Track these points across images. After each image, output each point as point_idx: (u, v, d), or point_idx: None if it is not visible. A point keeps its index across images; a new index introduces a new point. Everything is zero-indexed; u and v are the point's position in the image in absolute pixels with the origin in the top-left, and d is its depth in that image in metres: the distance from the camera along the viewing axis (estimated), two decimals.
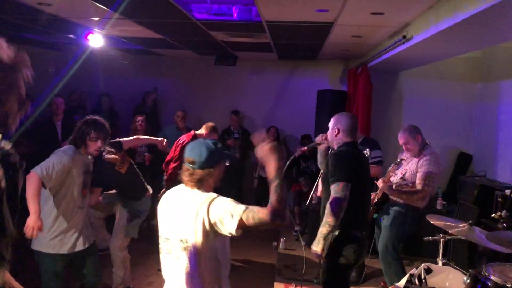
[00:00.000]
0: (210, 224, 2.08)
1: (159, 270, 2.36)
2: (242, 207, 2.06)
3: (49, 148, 3.46)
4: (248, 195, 7.56)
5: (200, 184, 2.21)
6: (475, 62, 6.89)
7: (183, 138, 4.93)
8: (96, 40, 5.81)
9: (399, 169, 4.40)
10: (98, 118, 3.53)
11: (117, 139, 4.21)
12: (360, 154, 3.49)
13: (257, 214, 2.03)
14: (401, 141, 4.37)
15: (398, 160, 4.46)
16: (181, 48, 7.03)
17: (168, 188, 2.66)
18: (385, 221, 4.34)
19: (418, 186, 4.17)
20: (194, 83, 8.38)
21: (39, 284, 3.37)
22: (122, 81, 8.29)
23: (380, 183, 4.20)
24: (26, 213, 3.01)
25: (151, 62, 8.40)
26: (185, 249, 2.13)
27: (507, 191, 4.55)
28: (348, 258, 3.17)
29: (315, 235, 3.21)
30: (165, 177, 4.94)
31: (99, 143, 3.42)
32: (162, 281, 2.33)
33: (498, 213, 4.14)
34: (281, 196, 2.03)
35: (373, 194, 4.32)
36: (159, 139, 4.77)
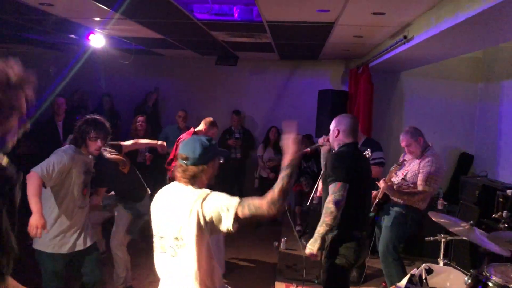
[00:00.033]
0: (205, 221, 2.07)
1: None
2: (236, 199, 2.08)
3: (50, 148, 3.45)
4: (249, 195, 7.52)
5: (194, 180, 2.21)
6: (476, 62, 6.88)
7: (184, 136, 4.94)
8: (97, 40, 5.82)
9: (401, 170, 4.40)
10: (98, 117, 3.51)
11: (117, 142, 4.20)
12: (360, 155, 3.50)
13: (253, 202, 2.06)
14: (403, 144, 4.37)
15: (400, 161, 4.46)
16: (182, 48, 7.03)
17: None
18: (386, 221, 4.34)
19: (420, 187, 4.16)
20: (195, 83, 8.38)
21: (39, 284, 3.37)
22: (123, 81, 8.30)
23: (381, 184, 4.20)
24: (28, 214, 3.01)
25: (152, 62, 8.41)
26: (180, 246, 2.12)
27: (509, 192, 4.54)
28: (348, 258, 3.18)
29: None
30: (168, 176, 4.95)
31: (99, 142, 3.41)
32: None
33: (499, 214, 4.13)
34: (284, 186, 2.05)
35: (374, 193, 4.32)
36: (159, 142, 4.68)
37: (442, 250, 3.58)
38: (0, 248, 1.34)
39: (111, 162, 3.98)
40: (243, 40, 5.99)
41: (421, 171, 4.21)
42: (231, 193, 2.20)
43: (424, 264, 3.11)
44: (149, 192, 4.53)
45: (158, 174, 5.94)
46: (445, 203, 5.75)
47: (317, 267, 4.42)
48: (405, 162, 4.43)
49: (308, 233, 6.15)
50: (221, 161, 2.36)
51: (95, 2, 4.07)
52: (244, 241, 6.43)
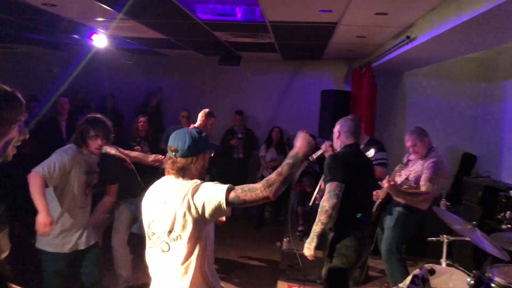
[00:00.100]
0: (197, 210, 2.05)
1: None
2: (227, 184, 2.07)
3: (53, 148, 3.43)
4: None
5: (183, 173, 2.19)
6: (479, 62, 6.86)
7: None
8: (100, 40, 5.83)
9: (405, 171, 4.40)
10: (99, 116, 3.49)
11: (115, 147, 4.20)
12: (361, 155, 3.51)
13: (247, 185, 2.05)
14: (408, 143, 4.36)
15: (405, 161, 4.45)
16: (185, 48, 7.04)
17: None
18: (388, 222, 4.34)
19: (423, 188, 4.16)
20: (198, 83, 8.39)
21: (41, 283, 3.38)
22: (126, 81, 8.31)
23: (384, 183, 4.20)
24: (29, 214, 3.01)
25: (155, 62, 8.42)
26: (173, 240, 2.10)
27: (511, 192, 4.53)
28: (349, 258, 3.19)
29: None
30: None
31: (99, 141, 3.38)
32: None
33: (502, 214, 4.13)
34: (285, 171, 2.07)
35: (375, 193, 4.32)
36: (151, 157, 4.45)
37: (444, 251, 3.57)
38: None
39: (116, 158, 3.98)
40: (246, 40, 5.99)
41: (424, 171, 4.20)
42: None
43: (426, 265, 3.11)
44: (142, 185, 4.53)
45: (158, 174, 5.94)
46: (448, 203, 5.74)
47: (319, 267, 4.42)
48: (409, 163, 4.43)
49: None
50: (212, 155, 2.36)
51: (98, 3, 4.08)
52: (247, 241, 6.44)
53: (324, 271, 3.34)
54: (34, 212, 3.16)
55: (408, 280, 2.98)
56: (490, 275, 2.69)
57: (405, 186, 4.28)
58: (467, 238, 3.20)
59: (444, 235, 3.59)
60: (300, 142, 2.20)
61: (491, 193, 4.94)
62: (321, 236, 3.23)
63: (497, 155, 6.16)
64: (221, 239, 6.31)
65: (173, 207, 2.10)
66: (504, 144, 6.01)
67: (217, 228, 6.92)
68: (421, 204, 4.23)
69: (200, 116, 5.07)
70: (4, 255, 1.46)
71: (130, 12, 4.44)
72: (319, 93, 7.32)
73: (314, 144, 2.24)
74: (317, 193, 4.69)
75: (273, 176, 2.06)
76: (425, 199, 4.22)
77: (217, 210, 2.04)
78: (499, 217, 4.15)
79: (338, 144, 3.44)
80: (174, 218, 2.09)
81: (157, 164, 4.45)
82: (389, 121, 7.42)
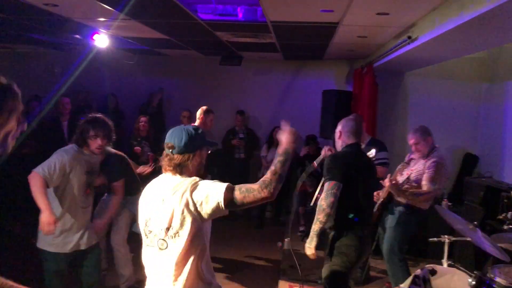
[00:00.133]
0: (196, 207, 2.06)
1: None
2: (226, 183, 2.08)
3: (55, 148, 3.44)
4: None
5: (180, 169, 2.19)
6: (481, 63, 6.86)
7: None
8: (101, 41, 5.84)
9: (406, 170, 4.39)
10: (99, 116, 3.49)
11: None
12: (362, 155, 3.52)
13: (245, 185, 2.06)
14: (411, 141, 4.36)
15: (407, 159, 4.45)
16: (186, 48, 7.05)
17: None
18: (390, 222, 4.34)
19: (425, 187, 4.15)
20: (199, 83, 8.39)
21: (41, 282, 3.38)
22: (128, 81, 8.32)
23: (386, 182, 4.19)
24: (30, 213, 3.02)
25: (156, 62, 8.43)
26: (171, 237, 2.09)
27: None
28: (349, 257, 3.20)
29: (319, 239, 3.24)
30: None
31: (99, 140, 3.37)
32: None
33: (504, 215, 4.12)
34: (278, 169, 2.09)
35: (376, 194, 4.32)
36: (140, 168, 4.63)
37: (446, 251, 3.57)
38: None
39: (118, 156, 4.03)
40: (247, 40, 5.99)
41: (426, 171, 4.19)
42: None
43: (427, 265, 3.11)
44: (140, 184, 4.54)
45: (155, 173, 5.94)
46: (450, 203, 5.72)
47: (320, 267, 4.41)
48: (411, 161, 4.43)
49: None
50: (209, 152, 2.36)
51: (99, 3, 4.09)
52: (248, 241, 6.43)
53: (324, 270, 3.34)
54: (35, 211, 3.18)
55: (409, 280, 2.97)
56: (492, 275, 2.69)
57: (406, 186, 4.28)
58: (468, 239, 3.19)
59: (446, 236, 3.58)
60: (287, 138, 2.21)
61: (493, 194, 4.93)
62: (322, 236, 3.24)
63: (499, 155, 6.15)
64: (222, 239, 6.32)
65: (171, 204, 2.10)
66: (506, 144, 6.00)
67: (218, 228, 6.93)
68: (422, 204, 4.23)
69: (199, 114, 5.09)
70: None
71: (132, 12, 4.44)
72: (321, 93, 7.31)
73: (300, 137, 2.27)
74: (318, 194, 4.69)
75: (268, 176, 2.07)
76: (426, 199, 4.21)
77: (215, 210, 2.05)
78: (501, 217, 4.14)
79: (339, 144, 3.45)
80: (172, 215, 2.08)
81: (144, 173, 4.52)
82: (391, 121, 7.42)
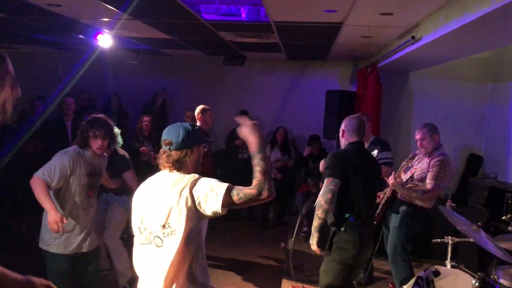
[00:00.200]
0: (194, 204, 2.05)
1: None
2: (226, 184, 2.07)
3: (59, 148, 3.45)
4: None
5: (178, 165, 2.18)
6: (486, 63, 6.83)
7: None
8: (105, 41, 5.85)
9: (410, 169, 4.38)
10: (100, 116, 3.47)
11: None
12: (364, 153, 3.53)
13: (242, 190, 2.05)
14: (417, 136, 4.34)
15: (412, 155, 4.44)
16: (189, 48, 7.05)
17: None
18: (393, 222, 4.32)
19: (429, 186, 4.13)
20: (202, 83, 8.40)
21: None
22: (131, 81, 8.34)
23: (390, 180, 4.18)
24: (32, 214, 3.03)
25: (160, 62, 8.44)
26: (167, 234, 2.07)
27: None
28: (347, 252, 3.20)
29: (323, 236, 3.24)
30: None
31: (99, 141, 3.35)
32: None
33: (508, 216, 4.09)
34: (264, 168, 2.08)
35: (381, 194, 4.31)
36: None
37: (449, 252, 3.55)
38: None
39: (120, 154, 4.11)
40: (251, 40, 5.99)
41: (430, 169, 4.18)
42: None
43: (431, 266, 3.09)
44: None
45: (152, 171, 5.95)
46: (454, 204, 5.71)
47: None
48: (415, 157, 4.42)
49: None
50: (206, 149, 2.36)
51: (103, 3, 4.09)
52: (251, 242, 6.43)
53: (322, 264, 3.37)
54: (39, 211, 3.19)
55: (412, 281, 2.96)
56: (496, 277, 2.68)
57: (409, 184, 4.27)
58: (471, 240, 3.18)
59: (449, 237, 3.56)
60: (252, 132, 2.17)
61: (497, 194, 4.90)
62: (325, 232, 3.25)
63: (504, 156, 6.12)
64: (225, 240, 6.33)
65: (169, 201, 2.09)
66: (511, 144, 5.97)
67: (221, 229, 6.95)
68: (425, 203, 4.21)
69: (196, 114, 5.16)
70: None
71: (135, 12, 4.45)
72: (324, 93, 7.30)
73: (259, 124, 2.22)
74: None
75: (259, 177, 2.06)
76: (430, 197, 4.19)
77: (214, 210, 2.04)
78: (505, 218, 4.11)
79: (343, 143, 3.48)
80: (170, 212, 2.07)
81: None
82: (395, 122, 7.40)
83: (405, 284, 3.50)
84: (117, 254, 4.49)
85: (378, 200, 4.15)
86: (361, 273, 4.67)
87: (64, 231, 3.16)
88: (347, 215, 3.23)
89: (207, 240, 2.38)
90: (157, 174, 2.28)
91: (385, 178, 4.23)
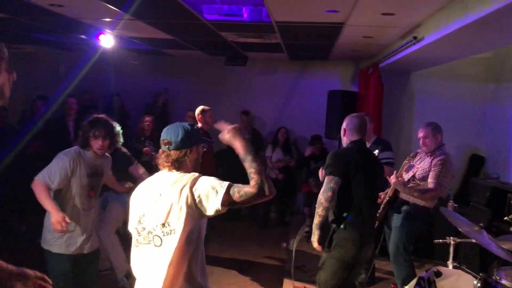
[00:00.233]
0: (195, 202, 2.04)
1: None
2: (226, 183, 2.07)
3: (61, 148, 3.45)
4: None
5: (178, 165, 2.18)
6: (487, 63, 6.81)
7: None
8: (107, 41, 5.86)
9: (412, 168, 4.37)
10: (101, 116, 3.47)
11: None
12: (365, 151, 3.54)
13: (242, 189, 2.05)
14: (420, 134, 4.34)
15: (413, 153, 4.44)
16: (191, 48, 7.05)
17: None
18: (395, 222, 4.32)
19: (430, 185, 4.13)
20: (204, 83, 8.39)
21: None
22: (133, 81, 8.33)
23: (392, 179, 4.17)
24: (34, 214, 3.05)
25: (161, 62, 8.44)
26: (167, 233, 2.06)
27: None
28: (346, 249, 3.21)
29: (325, 235, 3.26)
30: None
31: (99, 141, 3.34)
32: None
33: (510, 216, 4.08)
34: (257, 168, 2.08)
35: (383, 194, 4.31)
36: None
37: (451, 253, 3.54)
38: None
39: (121, 151, 4.15)
40: (252, 40, 5.99)
41: (432, 169, 4.17)
42: None
43: (433, 267, 3.09)
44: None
45: (151, 171, 5.96)
46: (456, 205, 5.68)
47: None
48: (417, 155, 4.41)
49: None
50: (205, 149, 2.36)
51: (104, 3, 4.10)
52: (253, 242, 6.43)
53: (320, 261, 3.37)
54: (39, 211, 3.20)
55: (413, 282, 2.96)
56: (498, 277, 2.67)
57: (411, 184, 4.26)
58: (473, 240, 3.17)
59: (451, 237, 3.56)
60: (236, 138, 2.18)
61: (499, 195, 4.90)
62: (326, 229, 3.27)
63: (505, 156, 6.11)
64: (226, 240, 6.33)
65: (169, 199, 2.08)
66: None
67: (223, 228, 6.95)
68: (427, 202, 4.20)
69: (196, 115, 5.18)
70: None
71: (137, 13, 4.45)
72: (326, 93, 7.29)
73: (240, 127, 2.23)
74: None
75: (255, 178, 2.05)
76: (431, 197, 4.19)
77: (215, 209, 2.04)
78: (508, 219, 4.10)
79: (344, 141, 3.49)
80: (170, 210, 2.06)
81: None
82: (396, 122, 7.39)
83: (406, 284, 3.50)
84: (112, 250, 4.50)
85: (379, 200, 4.15)
86: (363, 273, 4.67)
87: (68, 230, 3.17)
88: (345, 214, 3.23)
89: (207, 240, 2.38)
90: (156, 174, 2.28)
91: (387, 177, 4.24)
